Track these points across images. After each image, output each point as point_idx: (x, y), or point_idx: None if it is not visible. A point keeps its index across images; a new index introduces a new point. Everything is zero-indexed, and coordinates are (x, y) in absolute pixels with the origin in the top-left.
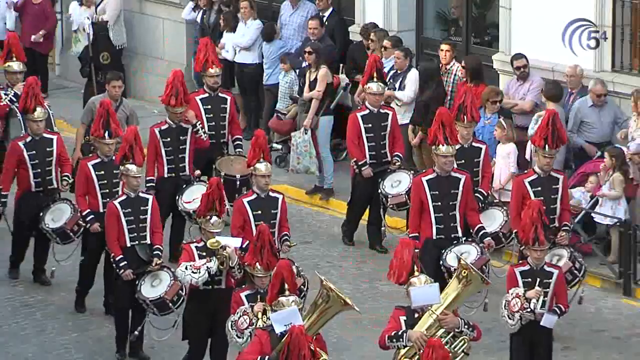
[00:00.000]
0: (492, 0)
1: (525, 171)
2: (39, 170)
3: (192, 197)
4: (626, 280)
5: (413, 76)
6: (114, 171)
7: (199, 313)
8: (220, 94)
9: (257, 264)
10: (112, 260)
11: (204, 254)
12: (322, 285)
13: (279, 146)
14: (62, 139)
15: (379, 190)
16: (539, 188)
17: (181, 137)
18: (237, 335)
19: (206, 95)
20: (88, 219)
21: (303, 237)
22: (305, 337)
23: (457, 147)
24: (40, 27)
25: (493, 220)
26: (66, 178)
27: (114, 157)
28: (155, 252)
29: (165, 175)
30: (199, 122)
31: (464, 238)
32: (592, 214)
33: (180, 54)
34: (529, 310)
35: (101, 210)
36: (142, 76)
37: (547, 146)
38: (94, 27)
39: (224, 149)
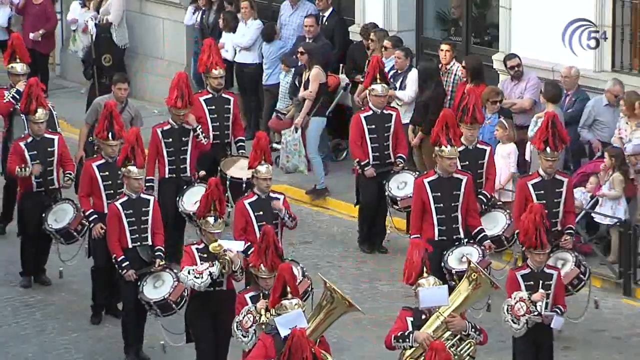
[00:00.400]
0: (492, 0)
1: (530, 173)
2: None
3: (193, 200)
4: (626, 280)
5: (414, 76)
6: (119, 172)
7: (201, 312)
8: (223, 95)
9: (262, 265)
10: (114, 261)
11: (205, 256)
12: (325, 286)
13: (279, 146)
14: (64, 139)
15: (386, 193)
16: (542, 191)
17: (183, 138)
18: (242, 334)
19: (210, 95)
20: (91, 218)
21: (303, 237)
22: (307, 340)
23: (462, 148)
24: (41, 28)
25: (495, 223)
26: (69, 175)
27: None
28: (157, 253)
29: (167, 176)
30: (199, 127)
31: (466, 239)
32: (592, 214)
33: (180, 54)
34: (536, 313)
35: (105, 211)
36: (143, 76)
37: (548, 148)
38: (97, 29)
39: (228, 150)
